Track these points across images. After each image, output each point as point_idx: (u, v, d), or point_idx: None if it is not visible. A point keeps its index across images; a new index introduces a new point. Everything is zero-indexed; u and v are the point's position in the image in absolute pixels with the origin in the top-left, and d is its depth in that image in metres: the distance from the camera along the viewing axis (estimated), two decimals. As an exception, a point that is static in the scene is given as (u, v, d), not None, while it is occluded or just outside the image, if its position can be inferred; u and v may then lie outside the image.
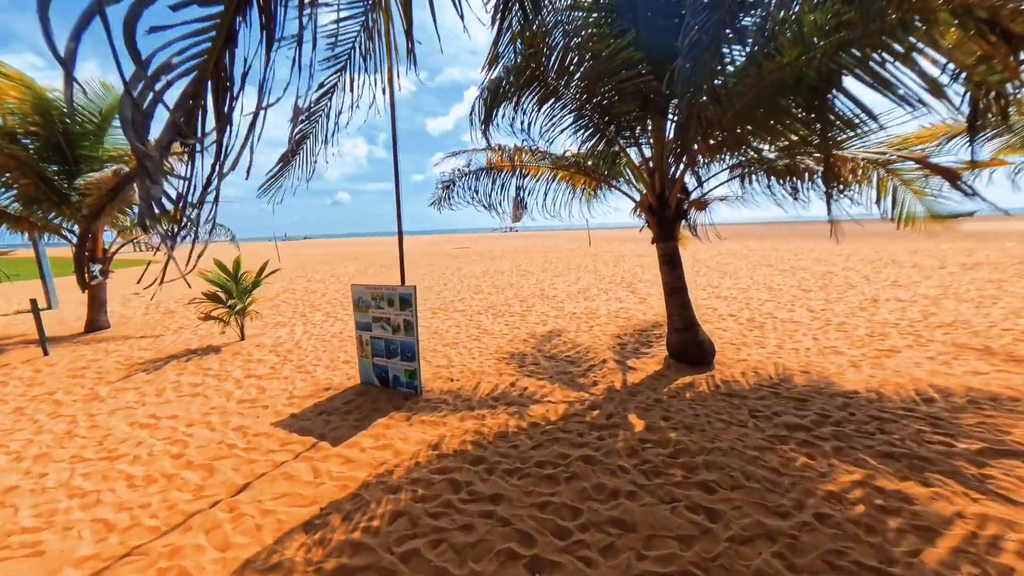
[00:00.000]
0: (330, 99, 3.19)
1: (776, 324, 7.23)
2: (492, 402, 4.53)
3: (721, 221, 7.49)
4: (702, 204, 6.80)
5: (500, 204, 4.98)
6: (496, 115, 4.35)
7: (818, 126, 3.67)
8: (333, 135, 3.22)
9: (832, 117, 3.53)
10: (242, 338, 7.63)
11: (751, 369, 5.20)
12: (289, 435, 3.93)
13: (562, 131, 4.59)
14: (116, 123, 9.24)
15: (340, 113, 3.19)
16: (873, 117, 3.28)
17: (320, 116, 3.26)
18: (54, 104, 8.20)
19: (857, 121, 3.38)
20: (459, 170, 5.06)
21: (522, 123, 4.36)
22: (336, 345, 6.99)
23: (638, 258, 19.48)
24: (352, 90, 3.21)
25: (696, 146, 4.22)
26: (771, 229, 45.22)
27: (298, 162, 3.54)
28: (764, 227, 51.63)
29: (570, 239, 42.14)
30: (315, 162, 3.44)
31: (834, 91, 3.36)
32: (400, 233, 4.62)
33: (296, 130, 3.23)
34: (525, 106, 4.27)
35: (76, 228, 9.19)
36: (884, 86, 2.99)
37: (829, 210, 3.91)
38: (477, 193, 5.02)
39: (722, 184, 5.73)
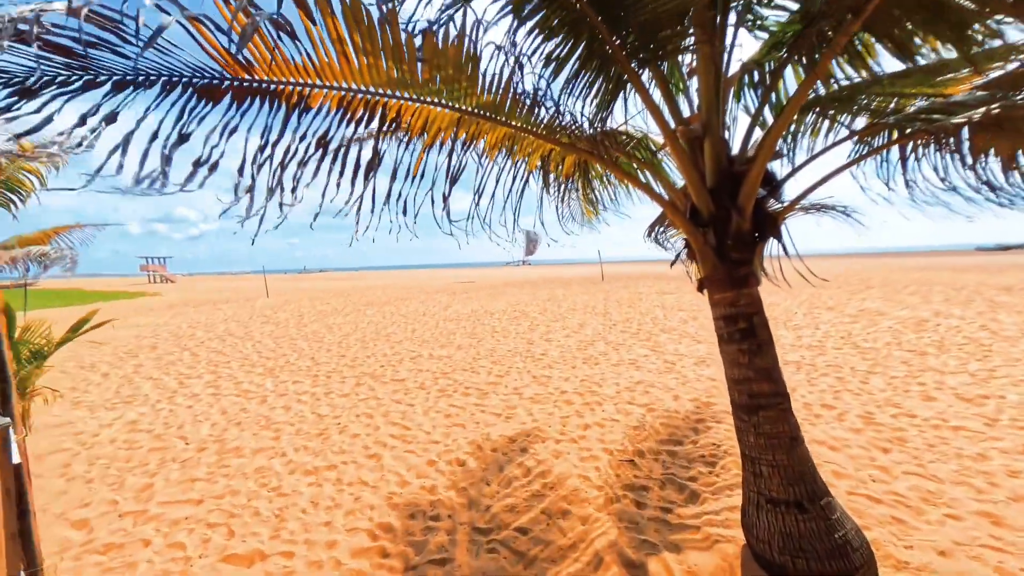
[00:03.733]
0: None
1: (927, 434, 3.84)
2: None
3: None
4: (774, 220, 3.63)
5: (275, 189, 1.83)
6: None
7: None
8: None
9: None
10: (25, 431, 4.67)
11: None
12: None
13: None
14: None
15: None
16: None
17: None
18: None
19: None
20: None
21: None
22: (122, 467, 3.94)
23: (659, 296, 16.12)
24: None
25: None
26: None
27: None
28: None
29: (580, 274, 38.88)
30: None
31: None
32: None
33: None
34: None
35: None
36: None
37: None
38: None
39: (848, 166, 2.60)
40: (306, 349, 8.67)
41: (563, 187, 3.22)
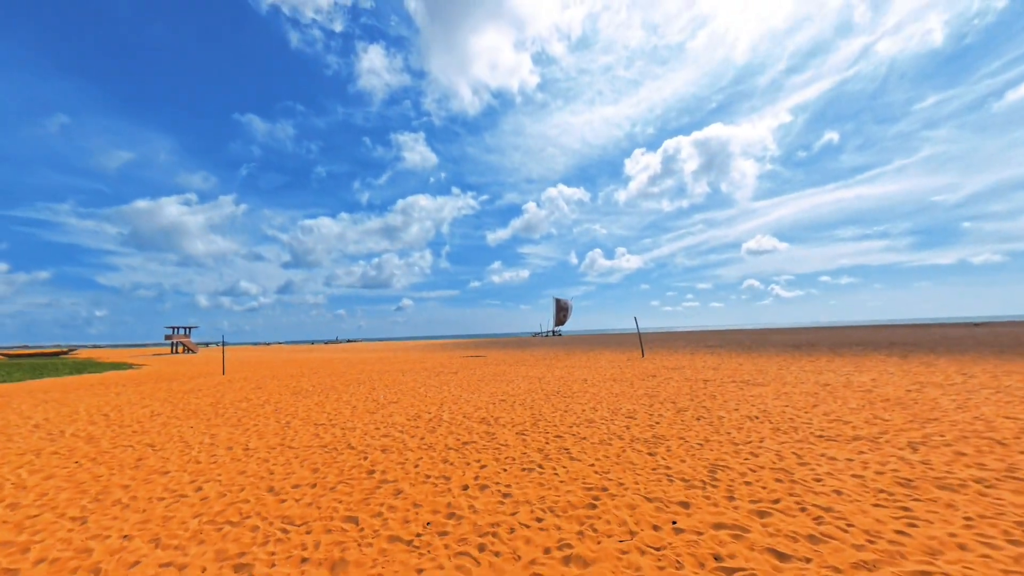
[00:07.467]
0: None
1: None
2: None
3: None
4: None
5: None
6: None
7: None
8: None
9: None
10: None
11: None
12: None
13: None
14: None
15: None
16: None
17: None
18: None
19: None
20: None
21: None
22: None
23: (739, 387, 9.56)
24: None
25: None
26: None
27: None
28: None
29: (613, 349, 32.13)
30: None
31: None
32: None
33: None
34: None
35: None
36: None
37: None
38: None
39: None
40: None
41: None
